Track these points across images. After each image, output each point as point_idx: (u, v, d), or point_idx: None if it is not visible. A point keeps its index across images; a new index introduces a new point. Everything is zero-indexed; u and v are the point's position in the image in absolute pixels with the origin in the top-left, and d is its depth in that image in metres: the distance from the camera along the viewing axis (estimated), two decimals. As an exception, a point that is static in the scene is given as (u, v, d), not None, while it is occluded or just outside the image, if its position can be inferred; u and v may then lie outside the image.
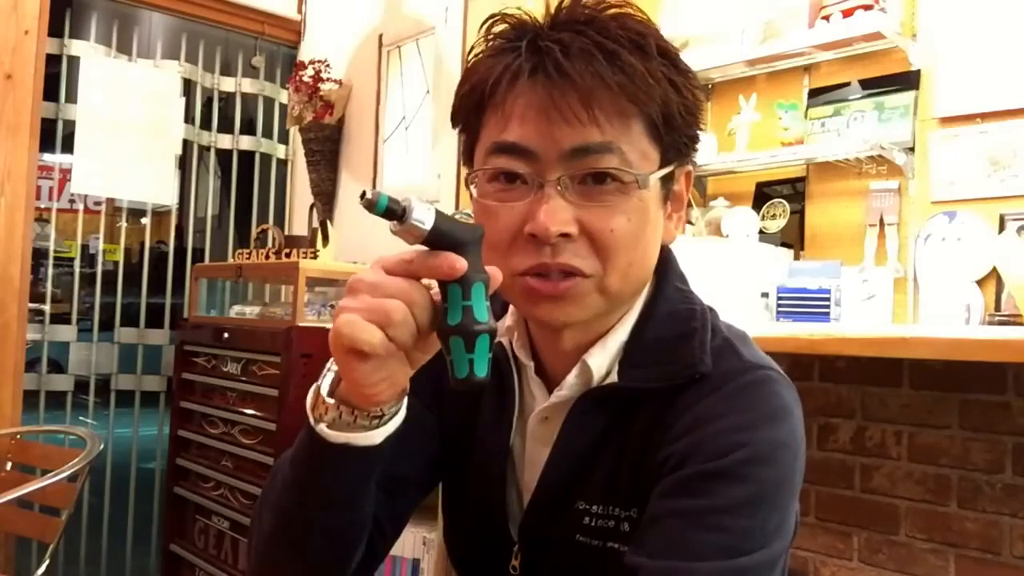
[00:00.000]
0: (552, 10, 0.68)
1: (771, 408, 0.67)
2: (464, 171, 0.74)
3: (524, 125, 0.65)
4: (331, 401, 0.62)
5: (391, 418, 0.63)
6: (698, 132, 0.71)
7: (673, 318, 0.73)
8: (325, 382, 0.63)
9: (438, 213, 0.57)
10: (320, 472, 0.65)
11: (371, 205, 0.54)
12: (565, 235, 0.65)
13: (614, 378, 0.72)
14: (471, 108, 0.70)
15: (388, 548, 0.79)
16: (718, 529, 0.61)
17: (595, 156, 0.65)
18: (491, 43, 0.70)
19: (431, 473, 0.83)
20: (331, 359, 0.62)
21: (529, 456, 0.78)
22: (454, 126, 0.74)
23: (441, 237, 0.57)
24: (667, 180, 0.70)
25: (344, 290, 0.59)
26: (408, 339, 0.57)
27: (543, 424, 0.76)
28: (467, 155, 0.74)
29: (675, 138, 0.69)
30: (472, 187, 0.71)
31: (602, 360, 0.72)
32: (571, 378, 0.73)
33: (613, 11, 0.67)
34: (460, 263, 0.56)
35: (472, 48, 0.71)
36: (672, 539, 0.62)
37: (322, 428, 0.62)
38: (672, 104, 0.66)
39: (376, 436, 0.62)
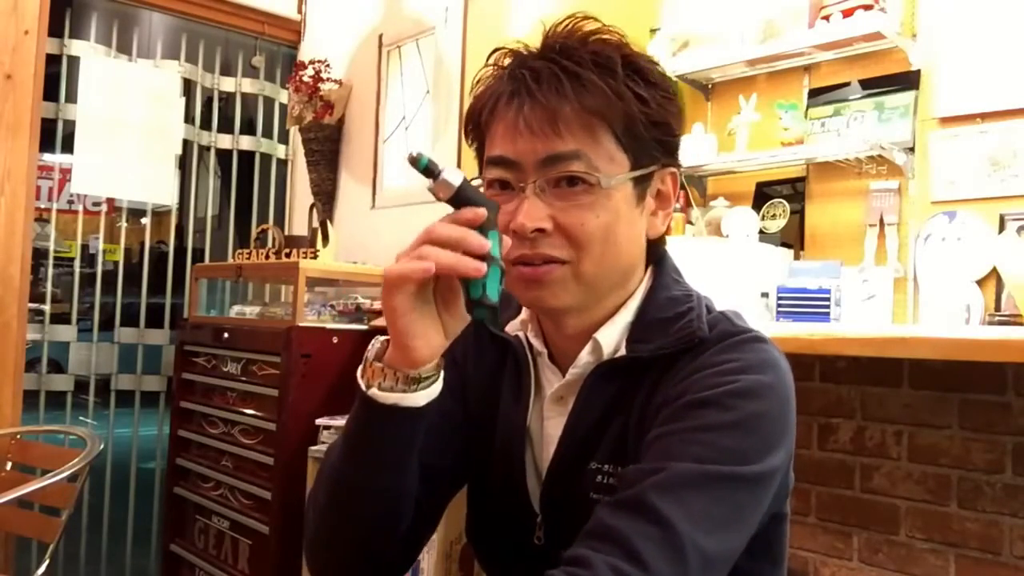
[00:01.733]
0: (543, 39, 0.80)
1: (758, 359, 0.75)
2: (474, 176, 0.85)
3: (505, 141, 0.78)
4: (378, 365, 0.73)
5: (430, 383, 0.73)
6: (670, 138, 0.81)
7: (671, 301, 0.82)
8: (373, 351, 0.75)
9: (465, 179, 0.71)
10: (372, 432, 0.75)
11: (415, 162, 0.69)
12: (540, 230, 0.76)
13: (622, 352, 0.81)
14: (473, 129, 0.84)
15: (429, 534, 0.90)
16: (697, 443, 0.69)
17: (564, 163, 0.76)
18: (494, 71, 0.82)
19: (462, 463, 0.91)
20: (374, 338, 0.75)
21: (546, 433, 0.86)
22: (469, 144, 0.87)
23: (465, 196, 0.71)
24: (642, 181, 0.80)
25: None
26: (466, 265, 0.68)
27: (558, 403, 0.85)
28: (480, 165, 0.85)
29: (641, 144, 0.78)
30: None
31: (611, 337, 0.81)
32: (584, 355, 0.82)
33: (593, 38, 0.78)
34: (480, 212, 0.70)
35: (476, 77, 0.83)
36: (659, 452, 0.71)
37: (373, 391, 0.73)
38: (634, 115, 0.76)
39: (419, 398, 0.73)
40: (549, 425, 0.85)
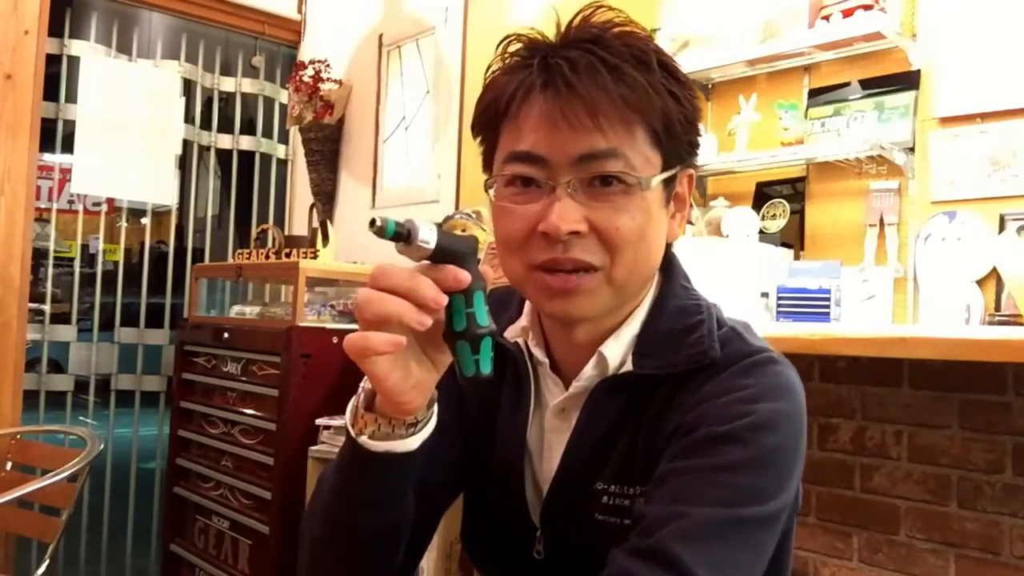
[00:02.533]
0: (562, 28, 0.74)
1: (774, 384, 0.72)
2: (482, 176, 0.80)
3: (536, 135, 0.71)
4: (370, 415, 0.68)
5: (425, 424, 0.69)
6: (697, 138, 0.77)
7: (681, 312, 0.79)
8: (361, 399, 0.69)
9: (439, 230, 0.63)
10: (366, 478, 0.71)
11: (381, 232, 0.60)
12: (575, 233, 0.70)
13: (629, 367, 0.77)
14: (489, 120, 0.76)
15: (423, 552, 0.86)
16: (718, 484, 0.67)
17: (601, 161, 0.70)
18: (506, 61, 0.76)
19: (458, 475, 0.88)
20: (361, 384, 0.69)
21: (547, 447, 0.82)
22: (474, 137, 0.80)
23: (443, 252, 0.63)
24: (669, 182, 0.76)
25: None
26: (410, 317, 0.61)
27: (560, 415, 0.81)
28: (486, 163, 0.79)
29: (675, 144, 0.74)
30: (490, 191, 0.77)
31: (616, 351, 0.77)
32: (588, 369, 0.78)
33: (618, 30, 0.73)
34: (464, 276, 0.63)
35: (490, 66, 0.77)
36: (676, 492, 0.67)
37: (364, 440, 0.68)
38: (672, 113, 0.72)
39: (413, 442, 0.69)
40: (551, 438, 0.82)
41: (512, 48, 0.76)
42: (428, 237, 0.61)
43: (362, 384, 0.69)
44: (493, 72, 0.76)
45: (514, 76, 0.73)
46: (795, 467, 0.72)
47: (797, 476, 0.73)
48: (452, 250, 0.63)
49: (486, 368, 0.65)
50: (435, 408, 0.70)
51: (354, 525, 0.75)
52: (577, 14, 0.74)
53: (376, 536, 0.75)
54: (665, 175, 0.74)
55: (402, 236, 0.61)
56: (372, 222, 0.59)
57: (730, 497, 0.66)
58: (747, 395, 0.70)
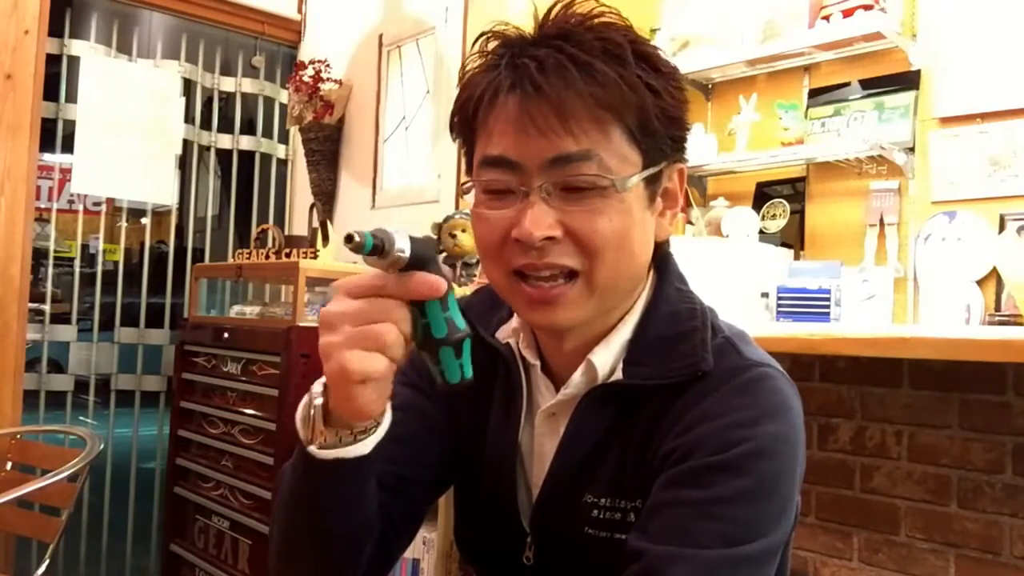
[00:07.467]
0: (539, 23, 0.72)
1: (771, 404, 0.70)
2: (465, 179, 0.78)
3: (505, 139, 0.69)
4: (329, 430, 0.66)
5: (376, 428, 0.67)
6: (682, 133, 0.75)
7: (674, 317, 0.76)
8: (318, 410, 0.66)
9: (411, 237, 0.61)
10: (317, 484, 0.69)
11: (359, 248, 0.58)
12: (549, 238, 0.68)
13: (618, 375, 0.75)
14: (464, 123, 0.75)
15: (404, 546, 0.83)
16: (720, 519, 0.64)
17: (574, 164, 0.68)
18: (483, 59, 0.74)
19: (442, 473, 0.86)
20: (313, 386, 0.66)
21: (537, 451, 0.81)
22: (453, 139, 0.78)
23: (416, 259, 0.61)
24: (653, 180, 0.73)
25: (319, 324, 0.62)
26: (401, 355, 0.63)
27: (550, 420, 0.79)
28: (468, 164, 0.77)
29: (655, 141, 0.71)
30: (469, 196, 0.75)
31: (606, 358, 0.75)
32: (576, 376, 0.76)
33: (595, 21, 0.70)
34: (440, 282, 0.62)
35: (465, 64, 0.75)
36: (676, 527, 0.65)
37: (313, 449, 0.66)
38: (649, 109, 0.69)
39: (365, 447, 0.67)
40: (541, 442, 0.80)
41: (490, 46, 0.74)
42: (403, 246, 0.60)
43: (313, 389, 0.67)
44: (468, 71, 0.74)
45: (485, 76, 0.71)
46: (795, 486, 0.70)
47: (797, 492, 0.71)
48: (423, 256, 0.62)
49: (468, 372, 0.64)
50: (388, 407, 0.67)
51: (311, 526, 0.72)
52: (553, 5, 0.72)
53: (335, 537, 0.73)
54: (646, 173, 0.71)
55: (380, 249, 0.59)
56: (349, 238, 0.57)
57: (733, 533, 0.64)
58: (744, 418, 0.68)
